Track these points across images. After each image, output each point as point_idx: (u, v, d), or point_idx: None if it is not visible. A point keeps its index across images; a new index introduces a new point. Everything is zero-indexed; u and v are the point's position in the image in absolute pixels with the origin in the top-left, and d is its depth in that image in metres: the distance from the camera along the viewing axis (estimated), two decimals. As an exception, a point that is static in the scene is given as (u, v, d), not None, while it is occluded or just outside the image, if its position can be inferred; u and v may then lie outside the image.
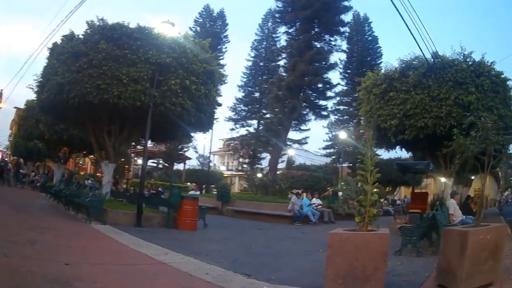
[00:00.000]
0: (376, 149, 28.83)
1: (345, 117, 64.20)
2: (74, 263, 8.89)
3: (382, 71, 25.23)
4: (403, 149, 29.69)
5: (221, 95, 56.50)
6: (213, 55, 24.31)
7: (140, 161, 63.60)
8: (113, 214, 18.82)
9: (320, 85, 52.00)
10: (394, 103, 22.56)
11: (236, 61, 75.13)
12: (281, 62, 59.95)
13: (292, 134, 58.26)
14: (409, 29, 16.98)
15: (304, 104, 51.38)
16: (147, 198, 25.58)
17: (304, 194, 31.25)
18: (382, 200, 47.45)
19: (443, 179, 25.63)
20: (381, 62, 59.82)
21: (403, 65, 23.43)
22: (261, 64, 69.06)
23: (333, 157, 64.95)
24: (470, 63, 22.01)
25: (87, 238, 14.04)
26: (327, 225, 26.23)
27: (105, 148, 23.37)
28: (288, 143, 57.14)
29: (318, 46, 50.93)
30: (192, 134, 30.39)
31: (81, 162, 73.20)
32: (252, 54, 70.17)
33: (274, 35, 68.19)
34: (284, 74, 54.21)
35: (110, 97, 19.10)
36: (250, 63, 69.88)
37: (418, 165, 21.96)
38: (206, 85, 21.88)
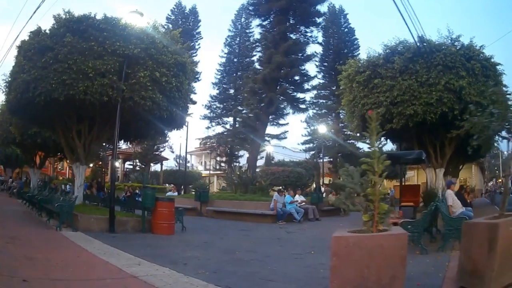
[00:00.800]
0: (360, 140, 27.80)
1: (323, 111, 63.55)
2: (33, 279, 7.93)
3: (365, 57, 24.25)
4: (388, 140, 29.21)
5: (195, 92, 56.73)
6: (185, 46, 22.94)
7: (117, 164, 62.69)
8: (85, 220, 17.57)
9: (297, 78, 50.77)
10: (379, 90, 22.00)
11: (209, 59, 74.42)
12: (256, 56, 59.87)
13: (271, 129, 57.79)
14: (399, 10, 16.18)
15: (282, 97, 50.06)
16: (122, 201, 24.70)
17: (286, 191, 29.76)
18: None
19: (428, 170, 25.27)
20: (359, 54, 59.63)
21: (387, 51, 22.78)
22: (235, 60, 69.05)
23: (313, 152, 64.14)
24: (458, 47, 21.55)
25: (54, 247, 12.79)
26: (312, 223, 25.42)
27: (75, 149, 22.00)
28: (267, 138, 56.29)
29: (294, 37, 49.74)
30: (167, 132, 28.51)
31: (59, 167, 72.06)
32: (226, 51, 70.37)
33: (247, 31, 68.68)
34: (259, 67, 53.41)
35: (76, 92, 17.65)
36: (223, 60, 69.96)
37: (410, 155, 20.24)
38: (178, 78, 20.46)
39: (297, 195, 28.49)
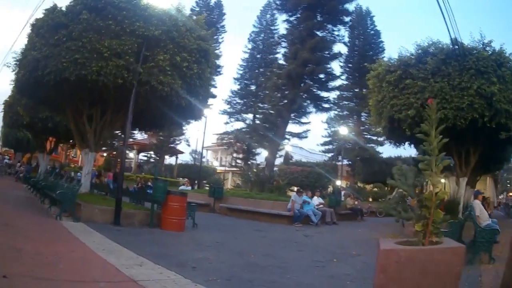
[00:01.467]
0: (386, 142, 26.72)
1: (345, 112, 62.76)
2: (16, 275, 6.91)
3: (396, 57, 22.98)
4: (411, 145, 27.50)
5: (215, 86, 55.45)
6: (210, 32, 21.54)
7: (131, 155, 61.88)
8: (88, 210, 16.47)
9: (322, 76, 50.18)
10: (410, 91, 20.83)
11: (232, 54, 73.72)
12: (280, 53, 58.79)
13: (291, 127, 57.07)
14: (441, 9, 15.15)
15: (305, 95, 49.48)
16: (132, 192, 23.69)
17: (303, 192, 28.64)
18: (383, 200, 46.01)
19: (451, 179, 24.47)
20: (384, 57, 56.87)
21: (419, 51, 21.60)
22: (258, 56, 68.34)
23: (332, 154, 63.36)
24: (490, 52, 20.38)
25: (49, 239, 11.60)
26: (329, 227, 24.51)
27: (85, 134, 20.79)
28: (287, 136, 55.74)
29: (321, 35, 49.10)
30: (184, 124, 27.33)
31: (72, 154, 71.39)
32: (249, 46, 69.45)
33: (272, 27, 68.00)
34: (284, 63, 52.45)
35: (88, 73, 16.39)
36: (247, 55, 69.18)
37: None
38: (200, 65, 19.11)
39: (315, 197, 27.35)
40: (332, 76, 51.28)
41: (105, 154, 60.33)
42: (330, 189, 43.11)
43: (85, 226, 14.30)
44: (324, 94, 51.87)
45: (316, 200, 27.04)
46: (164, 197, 16.93)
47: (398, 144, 27.52)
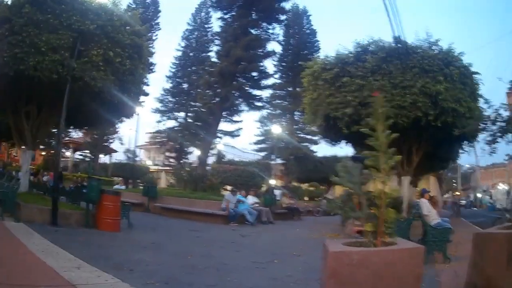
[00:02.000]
0: (321, 141, 26.69)
1: (277, 111, 62.79)
2: None
3: (333, 55, 22.53)
4: (348, 144, 27.36)
5: (148, 84, 55.23)
6: (144, 28, 21.07)
7: (68, 153, 60.81)
8: (27, 210, 15.89)
9: (254, 74, 49.92)
10: (347, 89, 20.43)
11: (165, 52, 72.90)
12: (213, 51, 57.19)
13: (224, 126, 56.35)
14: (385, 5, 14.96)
15: (237, 93, 49.05)
16: (68, 192, 22.99)
17: (238, 191, 28.45)
18: (319, 199, 46.12)
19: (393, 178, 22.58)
20: (319, 55, 56.94)
21: (358, 49, 21.34)
22: (191, 54, 67.53)
23: (265, 153, 63.55)
24: (436, 51, 20.32)
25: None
26: (266, 226, 24.52)
27: (22, 132, 20.21)
28: (219, 135, 55.21)
29: (255, 33, 48.87)
30: (116, 121, 27.02)
31: (14, 153, 69.92)
32: (183, 44, 68.73)
33: (206, 25, 67.57)
34: (217, 61, 51.78)
35: (25, 68, 15.97)
36: (180, 53, 68.48)
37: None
38: (133, 60, 18.81)
39: (249, 196, 27.29)
40: (265, 74, 51.17)
41: (43, 153, 59.27)
42: (263, 188, 43.02)
43: (25, 227, 13.81)
44: (257, 92, 51.78)
45: (251, 199, 26.94)
46: (98, 196, 16.54)
47: (334, 143, 27.50)
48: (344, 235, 18.59)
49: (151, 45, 56.27)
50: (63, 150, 59.26)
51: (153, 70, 60.48)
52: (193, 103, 61.65)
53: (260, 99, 52.45)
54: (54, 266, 8.40)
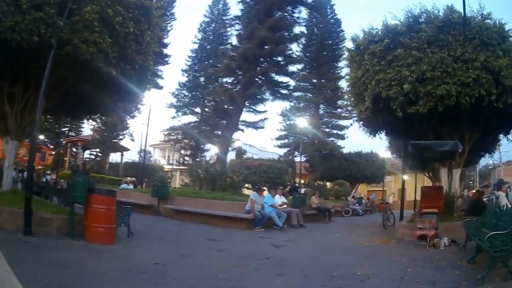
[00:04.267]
0: (363, 129, 23.40)
1: (301, 104, 58.79)
2: None
3: (379, 26, 19.70)
4: (382, 133, 25.40)
5: (162, 77, 52.10)
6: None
7: (76, 151, 58.80)
8: (-2, 213, 12.50)
9: (280, 59, 46.21)
10: (401, 63, 17.71)
11: (181, 45, 70.11)
12: (235, 34, 53.49)
13: (246, 116, 54.24)
14: None
15: (262, 78, 45.15)
16: (58, 190, 19.86)
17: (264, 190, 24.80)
18: (347, 198, 44.20)
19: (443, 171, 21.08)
20: (344, 46, 53.00)
21: (409, 19, 18.66)
22: (208, 47, 64.47)
23: (288, 149, 59.56)
24: (491, 24, 17.88)
25: None
26: (297, 231, 20.93)
27: (5, 118, 16.64)
28: (241, 127, 50.87)
29: (279, 15, 45.21)
30: (119, 106, 22.27)
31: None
32: (199, 36, 66.17)
33: (224, 17, 64.90)
34: (238, 44, 47.90)
35: (2, 30, 12.84)
36: (196, 46, 65.69)
37: (444, 145, 16.71)
38: (138, 24, 15.05)
39: (277, 196, 23.95)
40: (291, 59, 47.64)
41: (53, 153, 57.02)
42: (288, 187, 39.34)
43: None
44: (282, 79, 48.20)
45: (279, 199, 23.49)
46: (85, 196, 12.57)
47: (374, 133, 24.14)
48: (396, 240, 16.80)
49: (165, 36, 54.17)
50: (72, 149, 60.34)
51: (168, 62, 58.85)
52: (210, 98, 58.69)
53: (286, 86, 48.78)
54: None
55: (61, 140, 59.40)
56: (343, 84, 43.68)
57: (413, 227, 16.61)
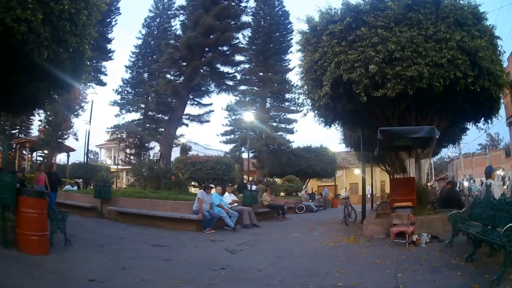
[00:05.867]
0: (317, 120, 22.37)
1: (247, 98, 58.00)
2: None
3: (339, 6, 18.30)
4: (342, 126, 25.08)
5: (105, 73, 50.78)
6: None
7: (24, 152, 60.21)
8: None
9: (226, 48, 44.63)
10: (365, 43, 16.29)
11: (125, 42, 68.52)
12: (179, 22, 51.57)
13: (190, 110, 51.26)
14: None
15: (207, 69, 43.35)
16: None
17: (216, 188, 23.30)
18: (300, 194, 44.04)
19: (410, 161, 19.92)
20: (291, 38, 56.75)
21: None
22: (152, 42, 63.08)
23: (234, 145, 58.23)
24: (465, 3, 17.19)
25: None
26: (251, 231, 19.70)
27: None
28: (185, 121, 49.19)
29: (226, 3, 43.62)
30: (51, 94, 19.95)
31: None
32: (143, 32, 64.50)
33: (169, 12, 62.12)
34: (182, 34, 45.98)
35: None
36: (140, 42, 64.13)
37: (419, 131, 15.20)
38: (74, 2, 13.15)
39: (226, 193, 22.68)
40: (238, 49, 45.98)
41: None
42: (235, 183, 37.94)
43: None
44: (228, 70, 46.51)
45: (229, 197, 22.42)
46: (14, 199, 10.76)
47: (329, 124, 22.52)
48: (365, 238, 15.66)
49: (110, 31, 52.85)
50: (23, 152, 60.01)
51: (112, 57, 58.11)
52: (153, 94, 55.52)
53: (232, 77, 47.00)
54: None
55: (11, 142, 58.25)
56: (292, 74, 42.36)
57: (384, 223, 15.91)
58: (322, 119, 21.95)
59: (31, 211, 10.66)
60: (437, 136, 16.11)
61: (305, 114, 21.51)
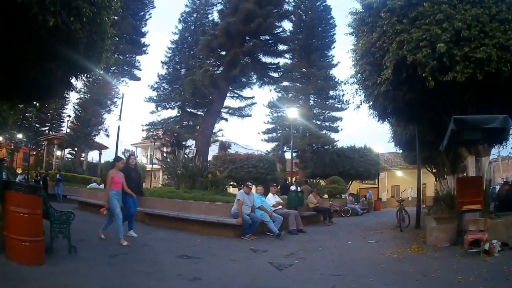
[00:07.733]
0: (372, 113, 20.69)
1: (290, 95, 56.63)
2: None
3: None
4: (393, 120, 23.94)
5: (138, 67, 49.41)
6: None
7: (59, 152, 58.47)
8: None
9: (268, 37, 41.34)
10: (428, 21, 14.74)
11: (160, 37, 67.43)
12: (217, 10, 49.10)
13: (230, 103, 52.58)
14: None
15: (248, 59, 40.08)
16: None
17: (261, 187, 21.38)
18: (344, 196, 41.93)
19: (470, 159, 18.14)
20: (334, 34, 57.87)
21: None
22: (189, 38, 62.44)
23: (276, 143, 56.93)
24: None
25: None
26: (297, 238, 17.22)
27: None
28: (224, 115, 47.22)
29: None
30: (68, 77, 17.84)
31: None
32: (180, 27, 63.98)
33: (206, 7, 61.96)
34: (220, 21, 42.76)
35: None
36: (176, 37, 63.55)
37: (491, 121, 12.87)
38: None
39: (270, 194, 20.46)
40: (281, 39, 42.12)
41: (34, 153, 55.62)
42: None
43: None
44: (271, 60, 42.79)
45: (272, 199, 19.98)
46: (-1, 194, 9.04)
47: (383, 118, 20.86)
48: (430, 247, 13.84)
49: (144, 24, 51.65)
50: (53, 148, 58.87)
51: (146, 51, 58.61)
52: (189, 88, 54.46)
53: (276, 68, 43.23)
54: None
55: (39, 138, 58.94)
56: (336, 71, 40.27)
57: (448, 230, 14.55)
58: (376, 112, 20.17)
59: (21, 210, 8.70)
60: (511, 127, 13.98)
61: (358, 106, 19.70)
